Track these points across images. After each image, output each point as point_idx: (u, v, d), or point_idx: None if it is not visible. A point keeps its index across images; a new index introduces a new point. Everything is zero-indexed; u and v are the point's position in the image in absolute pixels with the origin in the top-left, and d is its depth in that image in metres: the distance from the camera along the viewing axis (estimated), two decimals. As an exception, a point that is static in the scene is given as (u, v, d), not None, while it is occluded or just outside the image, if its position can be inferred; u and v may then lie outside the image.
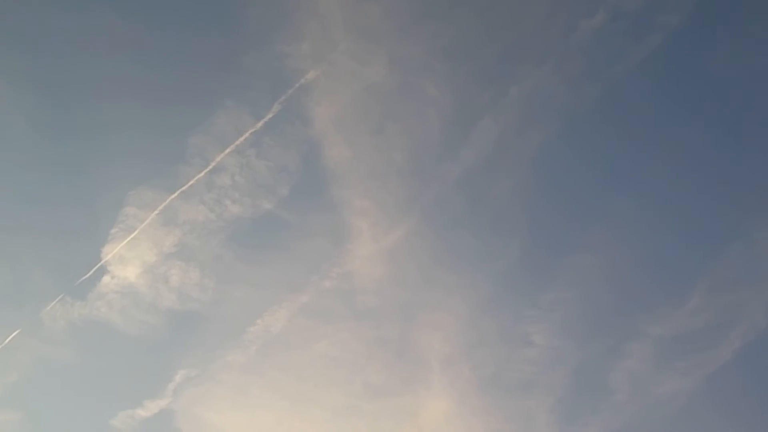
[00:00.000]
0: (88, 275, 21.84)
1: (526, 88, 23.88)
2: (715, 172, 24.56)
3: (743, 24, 23.82)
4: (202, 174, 22.11)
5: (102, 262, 21.80)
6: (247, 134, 22.09)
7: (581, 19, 24.57)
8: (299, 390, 22.15)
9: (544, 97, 24.23)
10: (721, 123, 24.48)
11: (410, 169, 23.73)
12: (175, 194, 22.03)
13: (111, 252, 21.76)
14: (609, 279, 24.35)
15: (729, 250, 23.55)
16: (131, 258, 21.90)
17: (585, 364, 23.11)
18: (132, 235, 21.75)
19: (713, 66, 24.81)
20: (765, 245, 22.83)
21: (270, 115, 22.09)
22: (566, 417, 22.44)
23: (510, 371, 22.76)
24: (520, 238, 24.54)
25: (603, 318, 24.19)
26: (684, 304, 22.87)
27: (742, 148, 24.20)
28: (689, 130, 24.68)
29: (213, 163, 22.09)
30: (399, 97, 24.46)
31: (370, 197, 23.17)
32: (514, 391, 22.68)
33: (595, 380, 22.89)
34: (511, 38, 24.38)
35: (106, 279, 21.92)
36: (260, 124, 22.21)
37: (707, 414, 22.70)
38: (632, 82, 24.49)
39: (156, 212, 21.99)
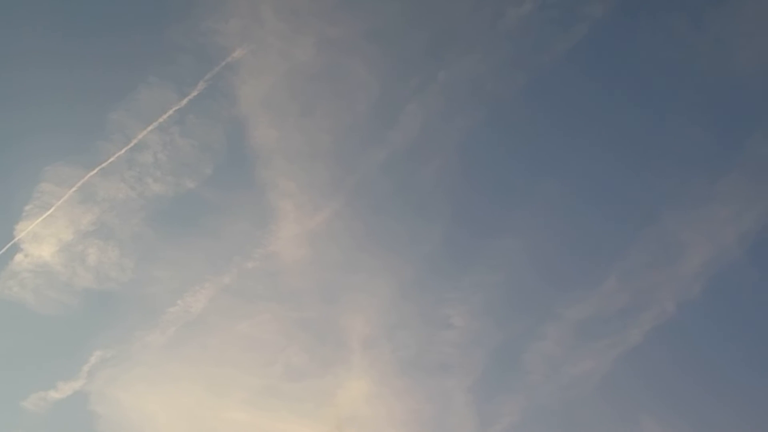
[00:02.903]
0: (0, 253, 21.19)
1: (453, 73, 24.14)
2: (632, 159, 25.39)
3: (665, 16, 24.65)
4: (123, 151, 21.60)
5: (15, 239, 21.11)
6: (170, 111, 21.65)
7: (509, 6, 24.92)
8: (219, 371, 21.99)
9: (471, 83, 24.55)
10: (641, 113, 25.31)
11: (336, 152, 23.73)
12: (94, 171, 21.48)
13: (25, 230, 21.08)
14: (528, 263, 24.95)
15: (643, 235, 24.43)
16: (46, 236, 21.27)
17: (502, 345, 23.67)
18: (47, 213, 21.12)
19: (636, 56, 25.58)
20: (677, 231, 23.79)
21: (195, 92, 21.71)
22: (483, 397, 22.98)
23: (430, 353, 23.12)
24: (443, 221, 24.89)
25: (521, 300, 24.80)
26: (599, 288, 23.65)
27: (661, 137, 25.09)
28: (610, 119, 25.40)
29: (135, 140, 21.59)
30: (327, 78, 24.37)
31: (295, 179, 23.08)
32: (434, 372, 23.06)
33: (511, 361, 23.47)
34: (440, 24, 24.59)
35: (19, 257, 21.24)
36: (185, 101, 21.80)
37: (618, 394, 23.60)
38: (558, 70, 25.00)
39: (73, 189, 21.41)
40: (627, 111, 25.08)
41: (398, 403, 22.22)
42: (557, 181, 25.45)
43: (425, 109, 23.43)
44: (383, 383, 22.11)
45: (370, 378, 21.83)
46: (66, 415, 21.37)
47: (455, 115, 24.37)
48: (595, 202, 25.64)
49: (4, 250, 21.08)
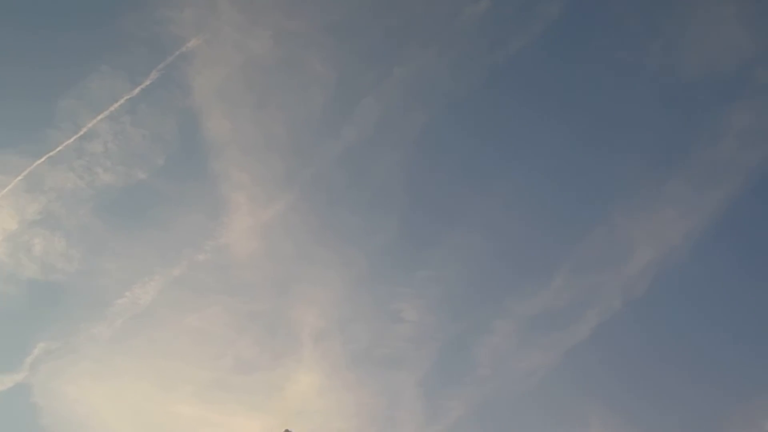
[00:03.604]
0: (-60, 242, 20.63)
1: (410, 69, 24.26)
2: (583, 160, 25.88)
3: (619, 19, 25.17)
4: (72, 139, 21.19)
5: (-44, 228, 20.61)
6: (122, 100, 21.33)
7: (466, 4, 25.19)
8: (167, 364, 21.71)
9: (427, 78, 24.73)
10: (593, 114, 25.78)
11: (291, 145, 23.65)
12: (42, 159, 21.00)
13: (-33, 218, 20.58)
14: (480, 259, 25.23)
15: (591, 234, 24.91)
16: (-10, 225, 20.80)
17: (453, 339, 23.90)
18: (-8, 201, 20.64)
19: (588, 58, 26.08)
20: (623, 230, 24.32)
21: (148, 82, 21.43)
22: (433, 390, 23.16)
23: (381, 346, 23.22)
24: (397, 217, 25.01)
25: (472, 296, 25.07)
26: (548, 284, 24.04)
27: (612, 138, 25.59)
28: (563, 118, 25.87)
29: (84, 129, 21.21)
30: (282, 71, 24.24)
31: (249, 171, 22.94)
32: (385, 365, 23.16)
33: (461, 355, 23.71)
34: (397, 19, 24.67)
35: (-40, 247, 20.76)
36: (137, 90, 21.50)
37: (564, 388, 24.03)
38: (512, 69, 25.38)
39: (19, 178, 20.90)
40: (579, 111, 25.52)
41: (348, 396, 22.28)
42: (510, 179, 25.78)
43: (381, 104, 23.53)
44: (334, 376, 22.14)
45: (321, 371, 21.84)
46: (7, 408, 20.90)
47: (411, 110, 24.51)
48: (547, 200, 26.03)
49: (-56, 239, 20.58)
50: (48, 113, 21.07)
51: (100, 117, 21.18)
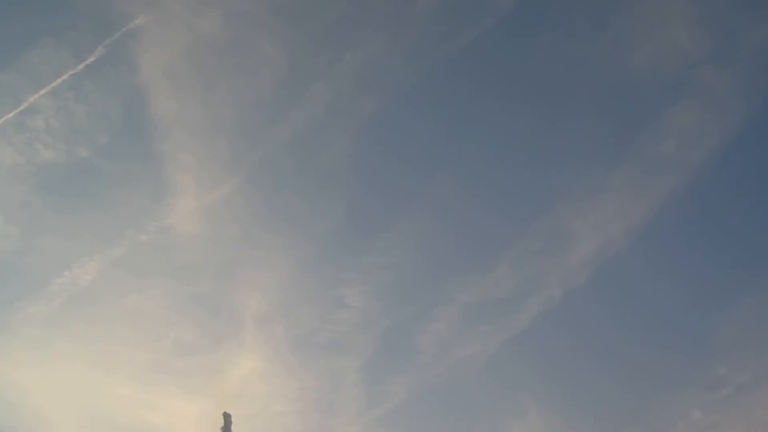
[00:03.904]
0: None
1: (362, 54, 24.20)
2: (529, 151, 26.26)
3: (568, 15, 25.53)
4: (12, 114, 20.56)
5: None
6: (65, 76, 20.78)
7: (420, -7, 25.32)
8: (106, 345, 21.42)
9: (379, 65, 24.76)
10: (539, 107, 26.14)
11: (238, 127, 23.45)
12: (-21, 134, 20.56)
13: None
14: (424, 247, 25.48)
15: (535, 224, 25.38)
16: (-77, 200, 20.21)
17: (395, 326, 24.15)
18: (-75, 176, 20.05)
19: (538, 52, 26.35)
20: (566, 221, 24.83)
21: (93, 58, 20.88)
22: (374, 376, 23.40)
23: (324, 331, 23.32)
24: (344, 203, 25.08)
25: (416, 283, 25.35)
26: (491, 273, 24.43)
27: (557, 130, 26.00)
28: (510, 110, 26.13)
29: (25, 104, 20.61)
30: (232, 52, 23.96)
31: (195, 152, 22.67)
32: (327, 350, 23.29)
33: (403, 342, 23.99)
34: (351, 4, 24.55)
35: None
36: (81, 66, 20.94)
37: (504, 376, 24.52)
38: (462, 60, 25.50)
39: (-45, 152, 20.42)
40: (526, 104, 25.89)
41: (290, 380, 22.35)
42: (456, 168, 26.05)
43: (332, 89, 23.44)
44: (276, 360, 22.16)
45: (263, 354, 21.83)
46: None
47: (362, 96, 24.46)
48: (491, 190, 26.41)
49: None
50: (-14, 87, 20.49)
51: (42, 92, 20.65)
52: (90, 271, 21.07)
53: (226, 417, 15.33)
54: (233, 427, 15.41)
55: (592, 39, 24.87)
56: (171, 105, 21.93)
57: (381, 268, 23.79)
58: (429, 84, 24.36)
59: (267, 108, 22.95)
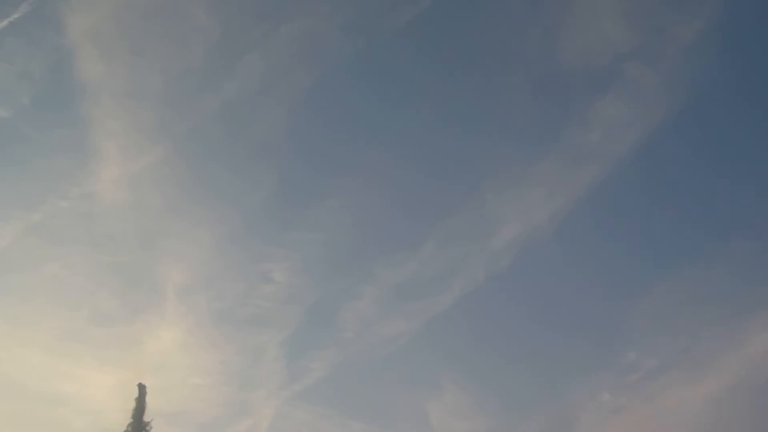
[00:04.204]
0: None
1: (298, 27, 23.98)
2: (458, 134, 26.64)
3: (502, 5, 25.83)
4: (-73, 68, 19.86)
5: None
6: (-14, 31, 20.05)
7: (358, -30, 25.18)
8: (20, 313, 20.84)
9: (315, 38, 24.60)
10: (470, 91, 26.45)
11: (167, 95, 22.96)
12: None
13: None
14: (352, 224, 25.65)
15: (461, 208, 25.87)
16: None
17: (320, 302, 24.31)
18: None
19: (471, 35, 26.46)
20: (492, 206, 25.38)
21: (17, 15, 20.00)
22: (296, 351, 23.54)
23: (247, 306, 23.29)
24: (273, 177, 24.94)
25: (342, 260, 25.53)
26: (416, 254, 24.81)
27: (487, 115, 26.42)
28: (441, 91, 26.40)
29: (-58, 58, 19.87)
30: (164, 18, 23.32)
31: (122, 119, 22.12)
32: (249, 324, 23.28)
33: (327, 318, 24.17)
34: (287, -23, 24.36)
35: None
36: (4, 22, 20.04)
37: (424, 354, 25.01)
38: (396, 39, 25.58)
39: None
40: (457, 87, 26.12)
41: (211, 353, 22.25)
42: (386, 148, 26.16)
43: (266, 61, 23.15)
44: (197, 333, 22.02)
45: (184, 327, 21.65)
46: None
47: (296, 69, 24.30)
48: (420, 172, 26.64)
49: None
50: None
51: (-40, 47, 19.79)
52: (6, 235, 20.45)
53: (141, 388, 15.18)
54: (149, 399, 15.28)
55: (522, 28, 25.37)
56: (98, 69, 21.34)
57: (308, 244, 23.86)
58: (366, 59, 24.40)
59: (198, 77, 22.59)
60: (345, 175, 24.85)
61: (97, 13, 21.46)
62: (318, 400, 23.08)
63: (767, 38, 25.86)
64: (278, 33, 22.70)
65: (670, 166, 26.42)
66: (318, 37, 23.49)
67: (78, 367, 20.20)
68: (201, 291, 22.55)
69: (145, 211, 22.38)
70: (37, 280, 21.07)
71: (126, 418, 14.66)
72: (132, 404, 14.76)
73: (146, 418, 14.79)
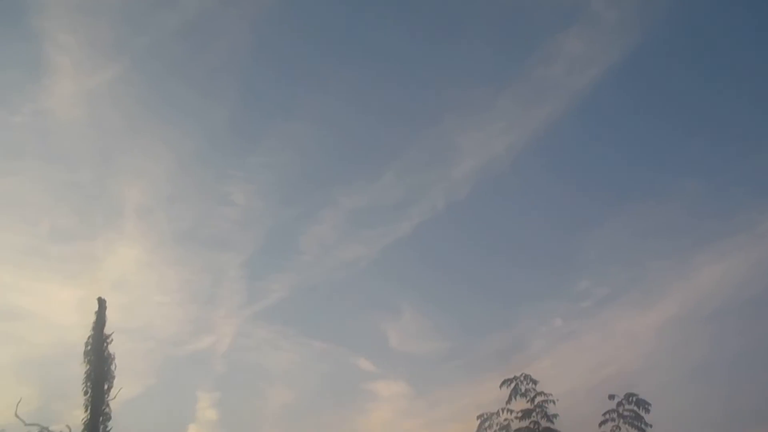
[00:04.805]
0: None
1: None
2: (421, 65, 26.76)
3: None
4: None
5: None
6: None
7: None
8: (-25, 228, 20.63)
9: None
10: (432, 23, 26.48)
11: (124, 9, 22.33)
12: None
13: None
14: (313, 149, 25.82)
15: (423, 136, 26.17)
16: None
17: (280, 226, 24.62)
18: None
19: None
20: (453, 137, 25.72)
21: None
22: (256, 272, 23.95)
23: (207, 227, 23.45)
24: (234, 96, 24.76)
25: (303, 185, 25.77)
26: (377, 181, 25.15)
27: (449, 46, 26.49)
28: (404, 25, 26.39)
29: None
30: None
31: (77, 33, 21.50)
32: (210, 245, 23.49)
33: (287, 241, 24.55)
34: None
35: None
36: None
37: (382, 279, 25.73)
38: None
39: None
40: (419, 19, 26.12)
41: (171, 272, 22.48)
42: (348, 73, 26.21)
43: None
44: (156, 251, 22.14)
45: (143, 245, 21.73)
46: None
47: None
48: (382, 99, 26.86)
49: None
50: None
51: None
52: (-44, 149, 19.97)
53: (101, 302, 15.27)
54: (111, 315, 15.42)
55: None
56: (50, -21, 20.51)
57: (268, 168, 23.93)
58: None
59: (157, -8, 21.92)
60: (309, 99, 24.76)
61: None
62: (278, 320, 23.72)
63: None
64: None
65: (628, 102, 27.05)
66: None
67: (38, 282, 20.26)
68: (160, 210, 22.57)
69: (102, 128, 22.07)
70: (-9, 195, 20.77)
71: (87, 333, 14.82)
72: (93, 319, 14.91)
73: (107, 331, 14.97)
